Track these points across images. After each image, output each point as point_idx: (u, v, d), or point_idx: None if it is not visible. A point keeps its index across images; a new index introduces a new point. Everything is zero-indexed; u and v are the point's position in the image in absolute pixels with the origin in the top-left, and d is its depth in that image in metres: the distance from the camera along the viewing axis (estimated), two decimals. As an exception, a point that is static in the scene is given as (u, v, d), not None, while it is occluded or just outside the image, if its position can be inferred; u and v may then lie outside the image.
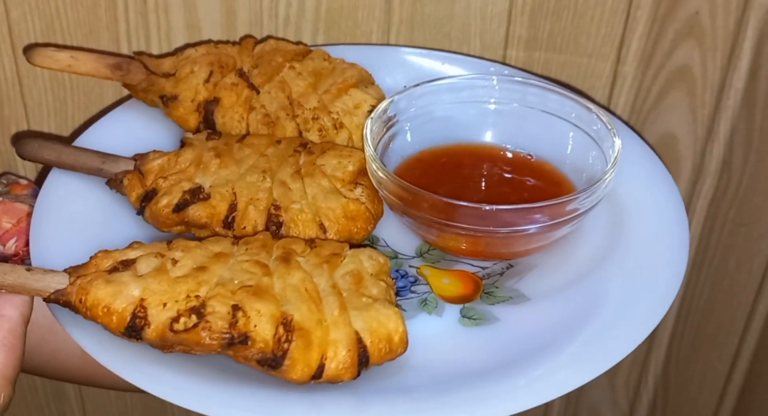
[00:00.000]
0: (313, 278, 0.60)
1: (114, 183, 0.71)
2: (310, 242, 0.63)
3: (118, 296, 0.57)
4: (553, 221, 0.64)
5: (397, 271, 0.68)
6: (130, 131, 0.77)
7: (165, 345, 0.56)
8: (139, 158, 0.70)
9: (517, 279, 0.68)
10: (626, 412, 1.17)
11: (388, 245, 0.70)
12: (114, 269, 0.59)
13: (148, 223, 0.69)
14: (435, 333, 0.64)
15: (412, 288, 0.67)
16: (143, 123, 0.78)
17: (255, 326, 0.56)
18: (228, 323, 0.56)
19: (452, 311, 0.65)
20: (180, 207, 0.67)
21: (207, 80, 0.77)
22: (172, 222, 0.67)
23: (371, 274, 0.61)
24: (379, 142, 0.72)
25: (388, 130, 0.73)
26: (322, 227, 0.67)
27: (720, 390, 1.13)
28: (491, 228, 0.64)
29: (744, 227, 0.97)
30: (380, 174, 0.66)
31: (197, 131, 0.76)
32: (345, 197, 0.68)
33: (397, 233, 0.71)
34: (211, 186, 0.68)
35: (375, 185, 0.68)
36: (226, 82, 0.77)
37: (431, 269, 0.69)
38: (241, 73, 0.78)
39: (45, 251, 0.65)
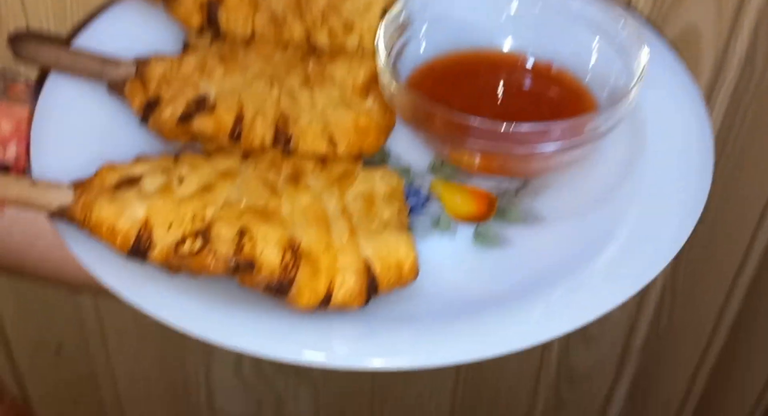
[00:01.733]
0: (322, 201, 0.58)
1: (115, 89, 0.68)
2: (321, 161, 0.61)
3: (123, 216, 0.55)
4: (573, 141, 0.62)
5: (409, 187, 0.66)
6: (130, 31, 0.73)
7: (171, 268, 0.55)
8: (141, 64, 0.67)
9: (532, 198, 0.66)
10: (633, 311, 1.17)
11: (399, 158, 0.67)
12: (119, 186, 0.57)
13: (152, 132, 0.66)
14: (447, 255, 0.62)
15: (425, 207, 0.65)
16: (144, 22, 0.74)
17: (261, 252, 0.54)
18: (234, 248, 0.54)
19: (465, 231, 0.63)
20: (185, 118, 0.64)
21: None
22: (178, 133, 0.65)
23: (383, 196, 0.59)
24: (391, 50, 0.68)
25: (400, 36, 0.70)
26: (332, 142, 0.64)
27: (726, 290, 1.13)
28: (507, 147, 0.61)
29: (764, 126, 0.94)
30: (392, 87, 0.63)
31: (200, 31, 0.73)
32: (355, 109, 0.65)
33: (409, 147, 0.68)
34: (216, 95, 0.65)
35: (386, 98, 0.65)
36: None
37: (444, 185, 0.66)
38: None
39: (47, 161, 0.63)
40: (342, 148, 0.65)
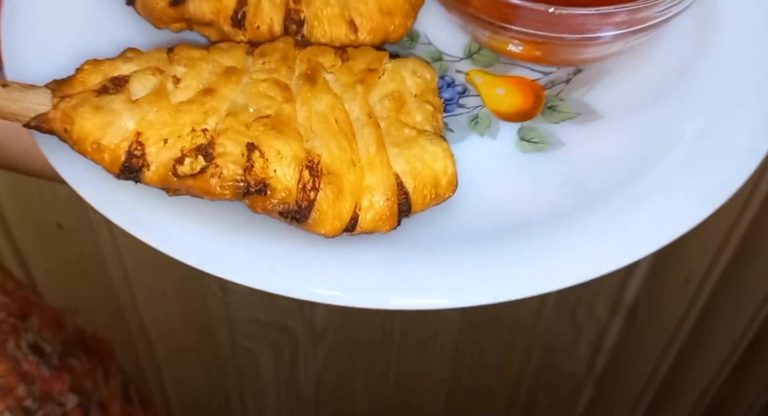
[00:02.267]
0: (344, 104, 0.49)
1: None
2: (341, 52, 0.52)
3: (110, 129, 0.47)
4: (633, 28, 0.52)
5: (442, 78, 0.57)
6: None
7: (168, 190, 0.47)
8: None
9: (586, 89, 0.56)
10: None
11: (430, 43, 0.58)
12: (104, 90, 0.48)
13: (141, 16, 0.56)
14: (487, 160, 0.54)
15: (461, 101, 0.56)
16: None
17: (275, 170, 0.46)
18: (242, 167, 0.46)
19: (508, 131, 0.55)
20: (178, 0, 0.54)
21: None
22: (170, 18, 0.55)
23: (415, 95, 0.50)
24: None
25: None
26: (353, 25, 0.55)
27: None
28: (559, 33, 0.52)
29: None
30: None
31: None
32: None
33: (441, 27, 0.59)
34: None
35: None
36: None
37: (483, 75, 0.57)
38: None
39: (20, 56, 0.54)
40: (364, 34, 0.55)
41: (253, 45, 0.53)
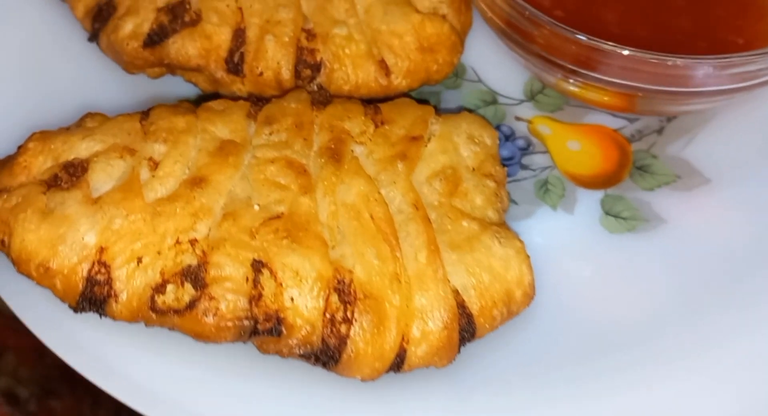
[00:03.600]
0: (380, 191, 0.36)
1: None
2: (373, 111, 0.39)
3: (62, 245, 0.34)
4: (741, 84, 0.39)
5: (498, 128, 0.44)
6: None
7: (146, 321, 0.34)
8: None
9: (685, 142, 0.44)
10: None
11: (480, 80, 0.45)
12: (54, 182, 0.36)
13: (108, 57, 0.43)
14: (564, 245, 0.41)
15: (524, 160, 0.44)
16: None
17: (291, 299, 0.33)
18: (246, 296, 0.33)
19: (588, 201, 0.42)
20: (155, 39, 0.41)
21: None
22: (145, 62, 0.42)
23: (472, 168, 0.37)
24: None
25: None
26: (383, 66, 0.42)
27: None
28: (658, 86, 0.39)
29: None
30: None
31: None
32: (417, 9, 0.42)
33: (493, 59, 0.46)
34: None
35: None
36: None
37: (551, 123, 0.45)
38: None
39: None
40: (399, 78, 0.42)
41: (255, 102, 0.39)
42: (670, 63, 0.38)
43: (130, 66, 0.43)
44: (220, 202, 0.35)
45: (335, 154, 0.37)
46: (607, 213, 0.42)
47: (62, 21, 0.45)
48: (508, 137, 0.44)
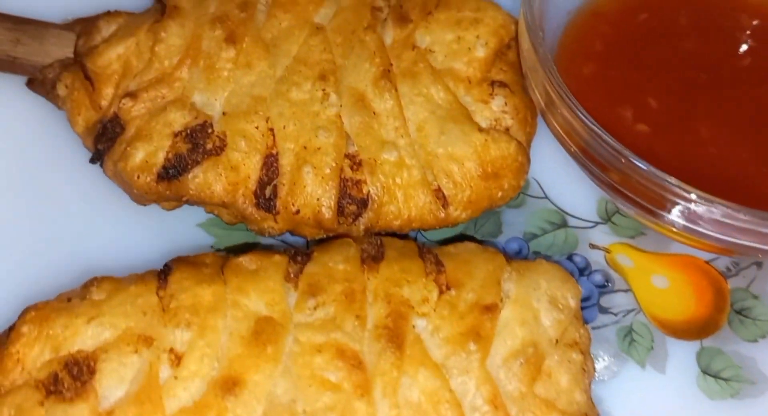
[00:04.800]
0: (450, 383, 0.30)
1: (41, 86, 0.38)
2: (435, 268, 0.32)
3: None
4: None
5: (570, 259, 0.37)
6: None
7: None
8: (84, 37, 0.37)
9: (788, 278, 0.37)
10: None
11: (546, 195, 0.39)
12: (54, 387, 0.29)
13: (114, 183, 0.37)
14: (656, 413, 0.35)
15: (602, 300, 0.37)
16: None
17: None
18: None
19: (682, 355, 0.37)
20: (171, 172, 0.34)
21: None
22: (158, 196, 0.35)
23: (556, 340, 0.31)
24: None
25: None
26: (440, 196, 0.35)
27: None
28: (744, 242, 0.33)
29: None
30: (552, 97, 0.34)
31: None
32: (478, 125, 0.36)
33: (561, 172, 0.40)
34: (224, 115, 0.35)
35: (538, 105, 0.36)
36: None
37: (632, 253, 0.39)
38: None
39: None
40: (458, 209, 0.36)
41: (293, 256, 0.33)
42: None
43: (140, 199, 0.37)
44: (258, 411, 0.29)
45: (395, 336, 0.31)
46: (705, 372, 0.36)
47: (59, 131, 0.38)
48: (583, 271, 0.38)
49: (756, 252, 0.34)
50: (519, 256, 0.38)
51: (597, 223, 0.39)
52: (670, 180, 0.32)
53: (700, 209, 0.32)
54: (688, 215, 0.33)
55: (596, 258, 0.39)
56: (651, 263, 0.38)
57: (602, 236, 0.39)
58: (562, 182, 0.40)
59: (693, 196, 0.32)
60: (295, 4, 0.39)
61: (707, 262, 0.38)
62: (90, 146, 0.37)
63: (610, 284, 0.38)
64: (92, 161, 0.37)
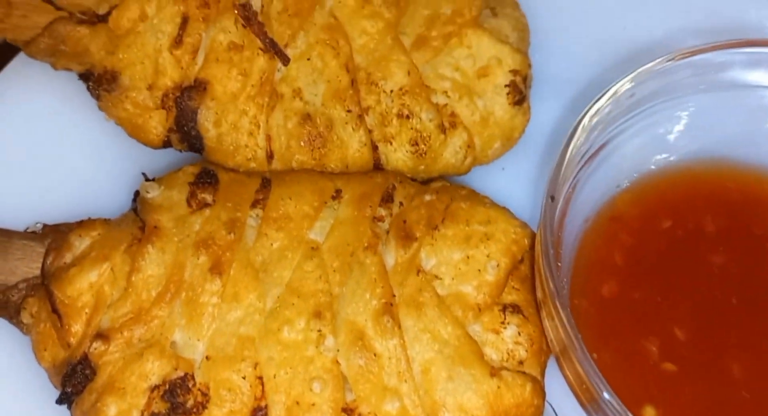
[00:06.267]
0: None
1: (4, 308, 0.37)
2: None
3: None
4: None
5: None
6: (22, 129, 0.37)
7: None
8: (53, 253, 0.36)
9: None
10: None
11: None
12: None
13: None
14: None
15: None
16: (46, 105, 0.38)
17: None
18: None
19: None
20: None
21: (177, 40, 0.36)
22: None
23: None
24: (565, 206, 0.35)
25: (590, 160, 0.37)
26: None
27: None
28: None
29: None
30: (566, 346, 0.33)
31: (166, 144, 0.37)
32: (490, 370, 0.34)
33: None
34: (208, 360, 0.31)
35: (551, 345, 0.35)
36: (219, 42, 0.36)
37: None
38: (247, 17, 0.36)
39: None
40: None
41: None
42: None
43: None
44: None
45: None
46: None
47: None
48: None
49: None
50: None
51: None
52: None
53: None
54: None
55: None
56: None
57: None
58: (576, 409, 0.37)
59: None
60: (288, 220, 0.36)
61: None
62: (57, 384, 0.34)
63: None
64: (59, 402, 0.33)
